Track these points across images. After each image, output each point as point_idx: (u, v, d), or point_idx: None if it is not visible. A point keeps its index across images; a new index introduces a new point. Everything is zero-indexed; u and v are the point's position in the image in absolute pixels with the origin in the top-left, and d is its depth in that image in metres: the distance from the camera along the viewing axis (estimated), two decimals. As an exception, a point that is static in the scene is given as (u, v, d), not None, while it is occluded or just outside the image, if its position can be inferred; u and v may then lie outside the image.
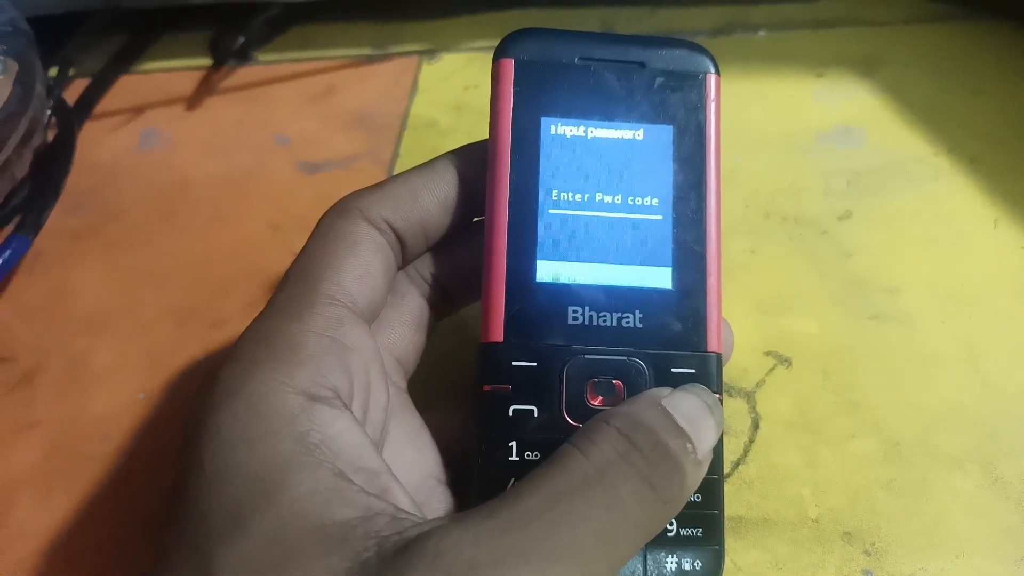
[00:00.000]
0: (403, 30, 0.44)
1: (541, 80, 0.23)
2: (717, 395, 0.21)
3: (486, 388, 0.21)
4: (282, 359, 0.19)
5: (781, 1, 0.41)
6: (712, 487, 0.21)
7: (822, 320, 0.30)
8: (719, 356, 0.22)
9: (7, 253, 0.34)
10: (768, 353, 0.29)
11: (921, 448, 0.26)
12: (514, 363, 0.21)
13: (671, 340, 0.22)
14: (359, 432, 0.19)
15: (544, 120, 0.23)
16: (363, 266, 0.22)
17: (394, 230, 0.23)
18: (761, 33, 0.40)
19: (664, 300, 0.22)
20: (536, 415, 0.21)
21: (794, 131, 0.36)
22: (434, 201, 0.23)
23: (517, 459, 0.21)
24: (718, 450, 0.21)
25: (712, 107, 0.23)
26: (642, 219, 0.23)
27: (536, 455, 0.21)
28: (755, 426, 0.27)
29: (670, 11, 0.42)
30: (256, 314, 0.32)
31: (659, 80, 0.23)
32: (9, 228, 0.36)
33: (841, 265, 0.31)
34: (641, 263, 0.22)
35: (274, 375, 0.19)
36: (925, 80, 0.37)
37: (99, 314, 0.34)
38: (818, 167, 0.34)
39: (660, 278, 0.22)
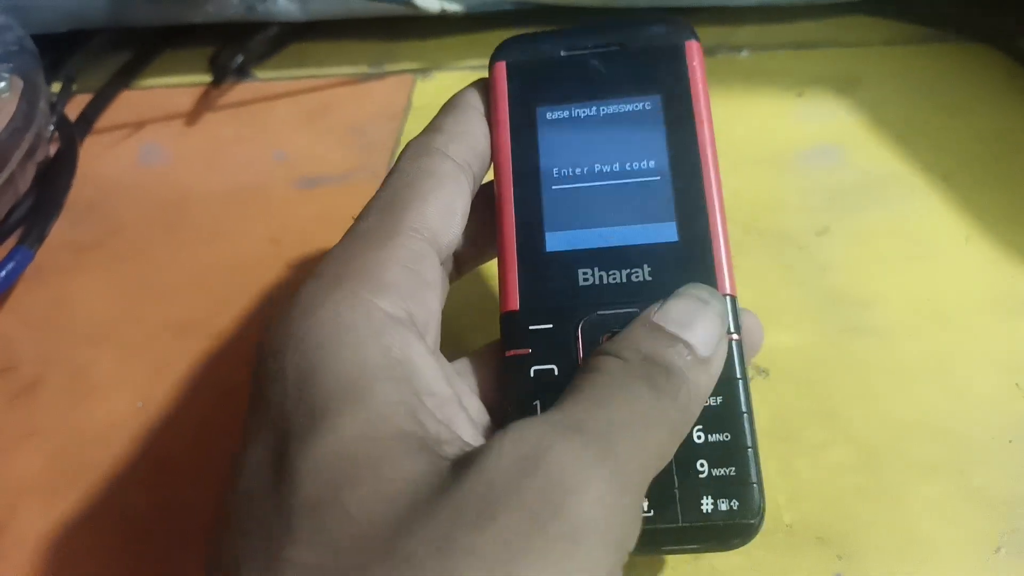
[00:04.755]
0: (398, 49, 0.46)
1: (532, 75, 0.25)
2: (734, 335, 0.22)
3: (508, 353, 0.22)
4: (367, 280, 0.20)
5: (764, 22, 0.43)
6: (738, 424, 0.21)
7: (799, 333, 0.31)
8: (734, 298, 0.22)
9: (11, 265, 0.35)
10: (746, 364, 0.30)
11: (893, 456, 0.27)
12: (531, 327, 0.22)
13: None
14: (432, 359, 0.20)
15: (539, 109, 0.25)
16: (447, 203, 0.22)
17: (471, 167, 0.23)
18: (744, 53, 0.42)
19: (671, 252, 0.23)
20: (557, 373, 0.22)
21: (774, 149, 0.37)
22: (487, 141, 0.24)
23: None
24: (740, 388, 0.21)
25: (697, 70, 0.24)
26: (641, 181, 0.23)
27: None
28: (733, 435, 0.28)
29: (657, 31, 0.43)
30: (255, 327, 0.34)
31: (641, 56, 0.25)
32: (12, 240, 0.37)
33: (818, 279, 0.32)
34: (645, 221, 0.23)
35: (360, 291, 0.19)
36: (902, 100, 0.38)
37: (100, 325, 0.35)
38: (797, 184, 0.35)
39: (665, 232, 0.23)
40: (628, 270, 0.22)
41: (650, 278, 0.22)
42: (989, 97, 0.37)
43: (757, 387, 0.29)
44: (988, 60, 0.39)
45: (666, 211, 0.23)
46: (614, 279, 0.22)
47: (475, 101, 0.25)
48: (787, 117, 0.38)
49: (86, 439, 0.31)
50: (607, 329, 0.22)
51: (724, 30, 0.43)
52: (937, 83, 0.38)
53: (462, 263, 0.25)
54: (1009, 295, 0.31)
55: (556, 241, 0.23)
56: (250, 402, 0.19)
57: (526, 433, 0.17)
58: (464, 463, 0.17)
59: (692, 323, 0.20)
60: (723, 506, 0.21)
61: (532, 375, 0.22)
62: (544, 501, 0.16)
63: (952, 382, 0.29)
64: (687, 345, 0.19)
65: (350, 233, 0.21)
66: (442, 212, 0.22)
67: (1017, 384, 0.28)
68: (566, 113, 0.25)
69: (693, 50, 0.25)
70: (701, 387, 0.20)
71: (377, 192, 0.23)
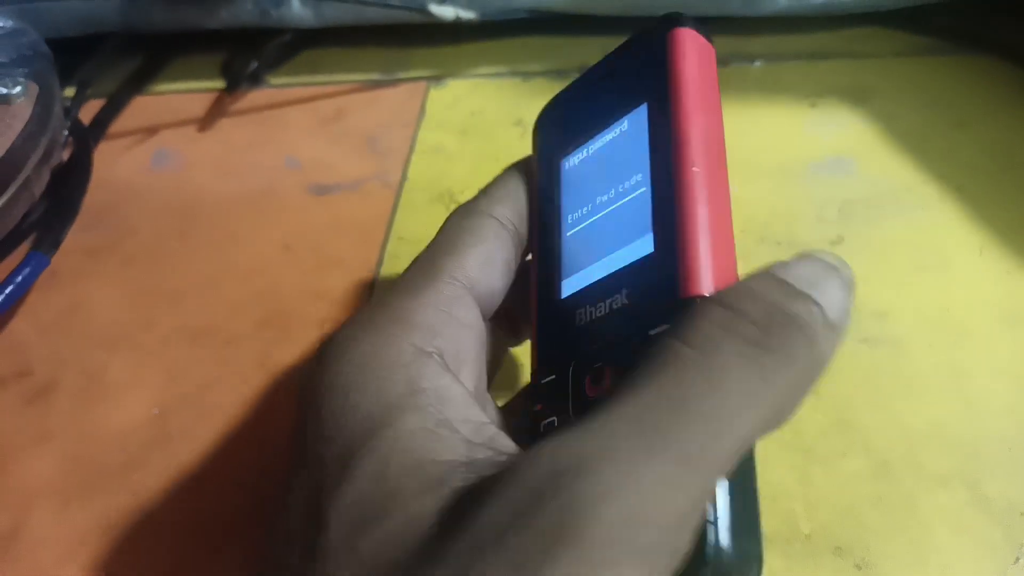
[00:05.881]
0: (411, 56, 0.46)
1: (555, 130, 0.25)
2: None
3: (531, 411, 0.22)
4: (397, 322, 0.20)
5: (777, 33, 0.43)
6: (743, 468, 0.18)
7: (814, 343, 0.31)
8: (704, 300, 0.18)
9: (26, 270, 0.35)
10: (763, 374, 0.30)
11: (909, 466, 0.27)
12: (543, 381, 0.22)
13: (652, 304, 0.19)
14: (463, 389, 0.20)
15: (563, 161, 0.25)
16: (486, 254, 0.22)
17: (515, 226, 0.24)
18: (757, 64, 0.42)
19: (646, 265, 0.20)
20: (556, 426, 0.21)
21: (788, 159, 0.37)
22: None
23: None
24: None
25: (682, 57, 0.21)
26: (629, 201, 0.21)
27: None
28: (750, 444, 0.28)
29: (669, 41, 0.44)
30: (268, 333, 0.34)
31: (631, 69, 0.23)
32: (27, 245, 0.37)
33: (833, 290, 0.32)
34: (631, 240, 0.21)
35: (389, 330, 0.20)
36: (914, 111, 0.38)
37: (114, 330, 0.35)
38: (810, 195, 0.36)
39: (644, 247, 0.20)
40: (609, 299, 0.20)
41: (626, 301, 0.20)
42: (1001, 109, 0.37)
43: (773, 397, 0.29)
44: (1000, 73, 0.39)
45: (645, 223, 0.20)
46: (600, 311, 0.21)
47: (523, 167, 0.25)
48: (800, 128, 0.38)
49: (101, 444, 0.31)
50: (587, 368, 0.20)
51: (738, 40, 0.43)
52: (950, 95, 0.38)
53: (520, 329, 0.26)
54: (1024, 306, 0.31)
55: (567, 287, 0.22)
56: (292, 445, 0.19)
57: (558, 452, 0.15)
58: (486, 484, 0.16)
59: (822, 285, 0.17)
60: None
61: (541, 431, 0.21)
62: (559, 521, 0.14)
63: (967, 392, 0.29)
64: (817, 304, 0.17)
65: (391, 285, 0.22)
66: (480, 261, 0.22)
67: (1034, 395, 0.28)
68: (577, 156, 0.24)
69: (676, 38, 0.21)
70: (826, 356, 0.17)
71: (422, 251, 0.23)
